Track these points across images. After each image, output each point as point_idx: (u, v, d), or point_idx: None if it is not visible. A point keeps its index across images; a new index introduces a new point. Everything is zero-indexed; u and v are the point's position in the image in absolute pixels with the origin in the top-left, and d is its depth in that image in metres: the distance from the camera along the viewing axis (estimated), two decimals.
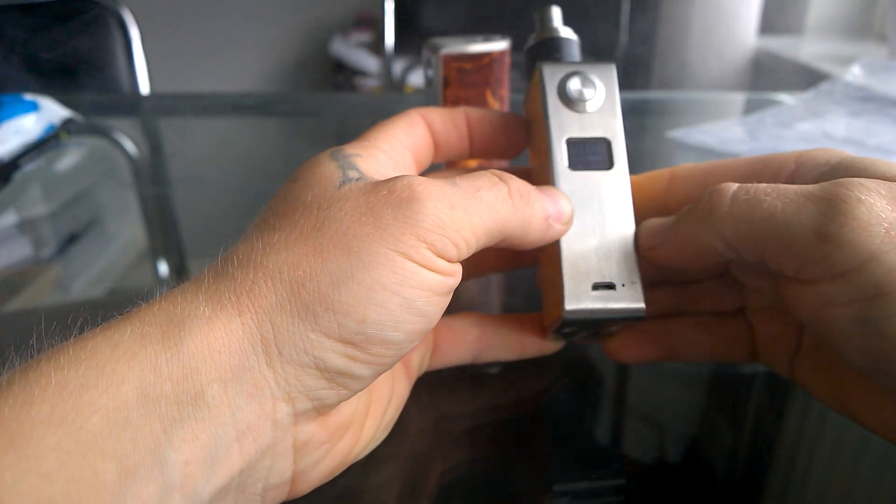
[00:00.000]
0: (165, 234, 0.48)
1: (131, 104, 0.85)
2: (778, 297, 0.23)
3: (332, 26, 2.14)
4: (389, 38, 1.37)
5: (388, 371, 0.23)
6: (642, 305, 0.24)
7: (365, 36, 2.07)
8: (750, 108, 0.70)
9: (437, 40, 0.37)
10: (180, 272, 0.41)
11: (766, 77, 1.40)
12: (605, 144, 0.24)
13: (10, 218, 0.50)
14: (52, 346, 0.16)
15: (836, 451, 0.26)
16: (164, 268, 0.42)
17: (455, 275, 0.20)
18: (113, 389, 0.15)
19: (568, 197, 0.24)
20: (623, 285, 0.24)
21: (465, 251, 0.20)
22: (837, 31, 1.47)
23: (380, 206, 0.19)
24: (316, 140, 0.69)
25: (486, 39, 0.37)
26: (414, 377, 0.26)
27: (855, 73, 0.72)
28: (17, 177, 0.55)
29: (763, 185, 0.20)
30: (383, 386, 0.23)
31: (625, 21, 1.38)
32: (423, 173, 0.27)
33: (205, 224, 0.47)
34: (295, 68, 2.23)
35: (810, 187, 0.19)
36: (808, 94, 0.70)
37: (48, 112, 0.62)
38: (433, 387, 0.28)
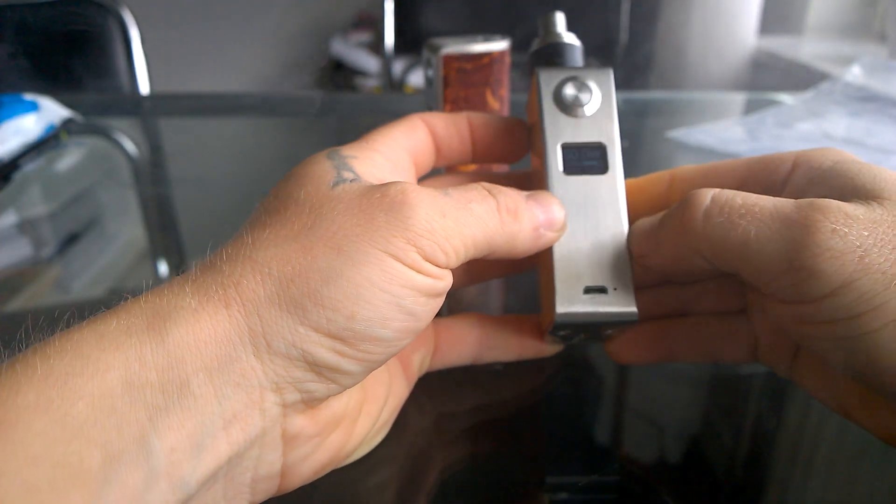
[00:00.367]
0: (165, 234, 0.48)
1: (131, 104, 0.85)
2: (760, 300, 0.24)
3: (332, 26, 2.14)
4: (389, 38, 1.37)
5: (385, 371, 0.23)
6: (634, 309, 0.24)
7: (365, 36, 2.07)
8: (750, 108, 0.70)
9: (437, 40, 0.37)
10: (180, 272, 0.41)
11: (766, 77, 1.40)
12: (601, 149, 0.25)
13: (10, 218, 0.50)
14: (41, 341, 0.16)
15: (836, 451, 0.26)
16: (164, 268, 0.42)
17: (444, 279, 0.20)
18: (98, 377, 0.15)
19: (561, 202, 0.24)
20: (615, 289, 0.24)
21: (453, 259, 0.20)
22: (837, 31, 1.47)
23: (372, 208, 0.19)
24: (316, 140, 0.69)
25: (486, 39, 0.37)
26: (414, 378, 0.26)
27: (855, 73, 0.72)
28: (17, 177, 0.55)
29: (739, 200, 0.20)
30: (379, 385, 0.23)
31: (625, 21, 1.38)
32: (425, 177, 0.27)
33: (205, 224, 0.47)
34: (295, 68, 2.23)
35: (787, 206, 0.19)
36: (808, 94, 0.70)
37: (48, 112, 0.62)
38: (433, 386, 0.28)
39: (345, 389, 0.19)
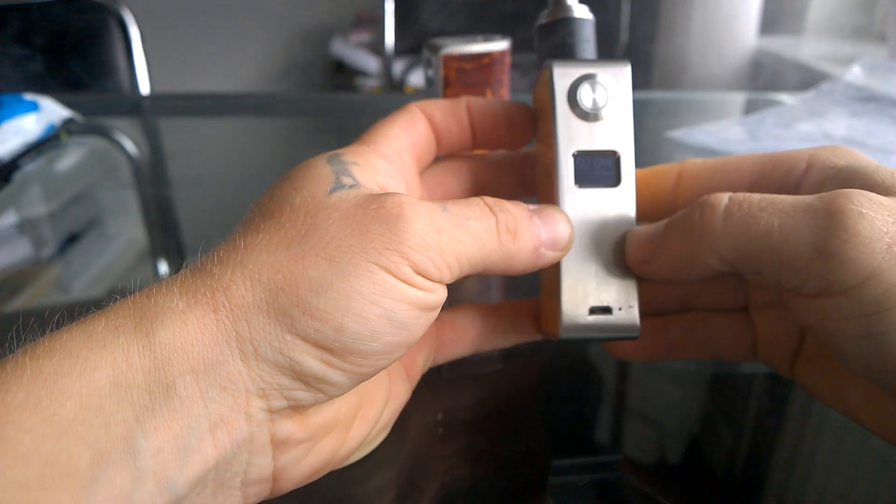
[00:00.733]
0: (165, 234, 0.48)
1: (131, 104, 0.85)
2: (781, 296, 0.23)
3: (332, 26, 2.14)
4: (389, 38, 1.37)
5: (385, 374, 0.23)
6: (637, 330, 0.23)
7: (365, 36, 2.07)
8: (750, 108, 0.70)
9: (437, 40, 0.37)
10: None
11: (766, 77, 1.40)
12: (614, 158, 0.24)
13: (10, 218, 0.50)
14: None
15: (836, 451, 0.26)
16: (164, 268, 0.42)
17: (437, 292, 0.19)
18: (86, 377, 0.15)
19: (569, 221, 0.23)
20: (620, 309, 0.23)
21: (446, 275, 0.20)
22: (837, 31, 1.47)
23: (367, 219, 0.19)
24: (316, 140, 0.69)
25: (486, 39, 0.37)
26: (416, 379, 0.26)
27: (855, 73, 0.72)
28: (17, 177, 0.55)
29: (757, 197, 0.20)
30: (377, 389, 0.23)
31: (625, 21, 1.38)
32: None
33: (205, 224, 0.47)
34: (295, 68, 2.23)
35: (808, 198, 0.19)
36: (808, 94, 0.70)
37: (48, 112, 0.62)
38: (432, 385, 0.28)
39: (331, 398, 0.19)
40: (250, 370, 0.17)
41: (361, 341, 0.18)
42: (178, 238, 0.47)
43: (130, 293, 0.18)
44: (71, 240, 0.46)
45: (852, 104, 0.67)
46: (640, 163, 0.27)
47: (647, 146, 0.61)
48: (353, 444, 0.22)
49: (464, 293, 0.36)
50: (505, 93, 0.39)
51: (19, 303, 0.38)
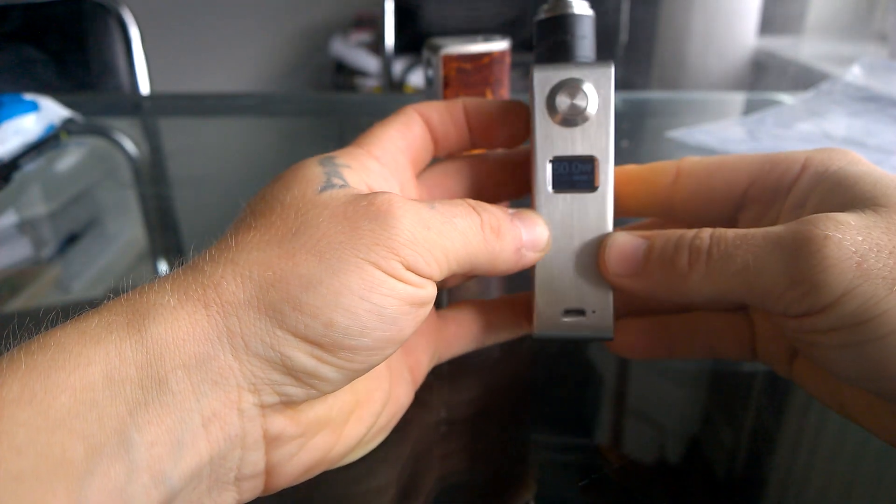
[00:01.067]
0: (165, 234, 0.48)
1: (131, 104, 0.85)
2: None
3: (332, 26, 2.14)
4: (389, 38, 1.37)
5: (386, 376, 0.23)
6: (610, 332, 0.24)
7: (365, 36, 2.07)
8: (750, 108, 0.70)
9: (437, 40, 0.37)
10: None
11: (766, 77, 1.40)
12: (592, 164, 0.24)
13: (10, 218, 0.50)
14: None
15: (836, 451, 0.26)
16: (164, 268, 0.43)
17: (426, 288, 0.20)
18: (80, 371, 0.15)
19: (546, 223, 0.24)
20: (594, 311, 0.24)
21: (435, 270, 0.20)
22: (837, 31, 1.47)
23: (357, 216, 0.19)
24: (316, 140, 0.69)
25: (486, 39, 0.37)
26: (420, 381, 0.26)
27: (855, 73, 0.72)
28: (17, 177, 0.55)
29: (731, 234, 0.21)
30: (375, 389, 0.23)
31: (625, 21, 1.38)
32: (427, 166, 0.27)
33: (205, 224, 0.48)
34: (295, 68, 2.23)
35: (778, 230, 0.20)
36: (808, 94, 0.70)
37: (48, 112, 0.62)
38: (431, 387, 0.28)
39: (324, 395, 0.19)
40: (241, 365, 0.17)
41: (351, 336, 0.18)
42: (178, 238, 0.47)
43: (124, 292, 0.18)
44: (71, 240, 0.46)
45: (852, 104, 0.67)
46: (639, 163, 0.27)
47: (647, 146, 0.61)
48: (349, 443, 0.22)
49: (463, 291, 0.36)
50: (505, 93, 0.39)
51: (19, 303, 0.38)
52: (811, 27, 1.47)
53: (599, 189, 0.24)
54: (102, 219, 0.50)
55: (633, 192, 0.26)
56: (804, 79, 1.21)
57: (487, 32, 0.39)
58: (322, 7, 2.15)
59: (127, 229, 0.48)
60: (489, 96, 0.38)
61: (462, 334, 0.27)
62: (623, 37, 1.39)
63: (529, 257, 0.23)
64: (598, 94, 0.23)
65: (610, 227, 0.24)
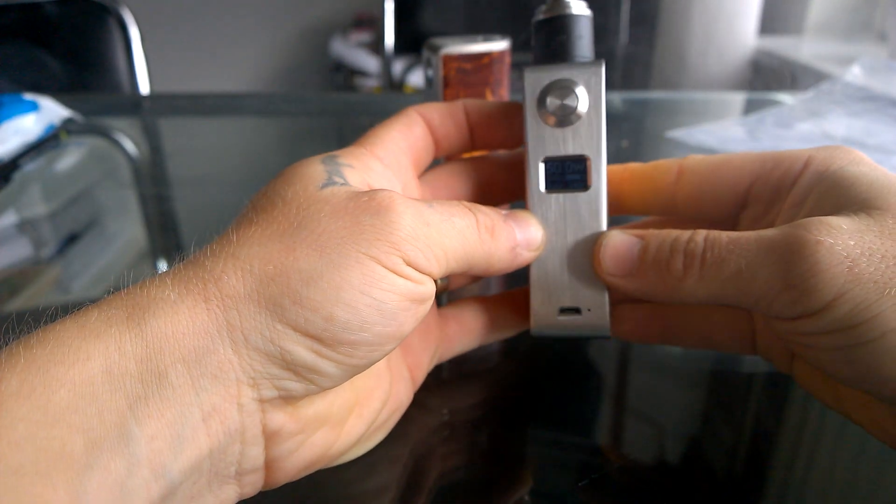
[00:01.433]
0: (165, 234, 0.48)
1: (131, 104, 0.85)
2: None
3: (332, 26, 2.14)
4: (389, 38, 1.37)
5: (386, 374, 0.23)
6: (607, 331, 0.24)
7: (365, 36, 2.07)
8: (750, 108, 0.70)
9: (437, 40, 0.37)
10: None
11: (766, 77, 1.40)
12: (584, 163, 0.24)
13: (10, 218, 0.50)
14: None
15: (836, 450, 0.26)
16: (164, 268, 0.43)
17: (426, 284, 0.20)
18: (79, 365, 0.15)
19: (539, 222, 0.24)
20: (589, 310, 0.24)
21: (435, 268, 0.20)
22: (837, 31, 1.47)
23: (359, 211, 0.19)
24: (316, 140, 0.69)
25: (486, 39, 0.37)
26: (420, 381, 0.26)
27: (855, 73, 0.72)
28: (17, 177, 0.55)
29: (724, 238, 0.21)
30: (375, 387, 0.23)
31: (625, 21, 1.38)
32: (427, 169, 0.27)
33: (205, 224, 0.47)
34: (295, 68, 2.23)
35: (770, 233, 0.20)
36: (808, 94, 0.70)
37: (48, 112, 0.62)
38: (431, 386, 0.28)
39: (324, 390, 0.19)
40: (241, 359, 0.17)
41: (351, 331, 0.18)
42: (178, 238, 0.47)
43: (125, 287, 0.18)
44: (71, 240, 0.46)
45: (852, 104, 0.67)
46: (639, 162, 0.27)
47: (647, 146, 0.61)
48: (349, 441, 0.22)
49: (463, 291, 0.36)
50: (504, 93, 0.39)
51: (19, 303, 0.38)
52: (811, 27, 1.47)
53: (592, 188, 0.24)
54: (102, 219, 0.50)
55: (636, 190, 0.26)
56: (804, 79, 1.22)
57: (487, 32, 0.39)
58: (322, 7, 2.15)
59: (127, 229, 0.48)
60: (489, 96, 0.38)
61: (463, 332, 0.27)
62: (623, 37, 1.39)
63: (524, 256, 0.23)
64: (588, 93, 0.24)
65: (604, 225, 0.24)
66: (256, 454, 0.19)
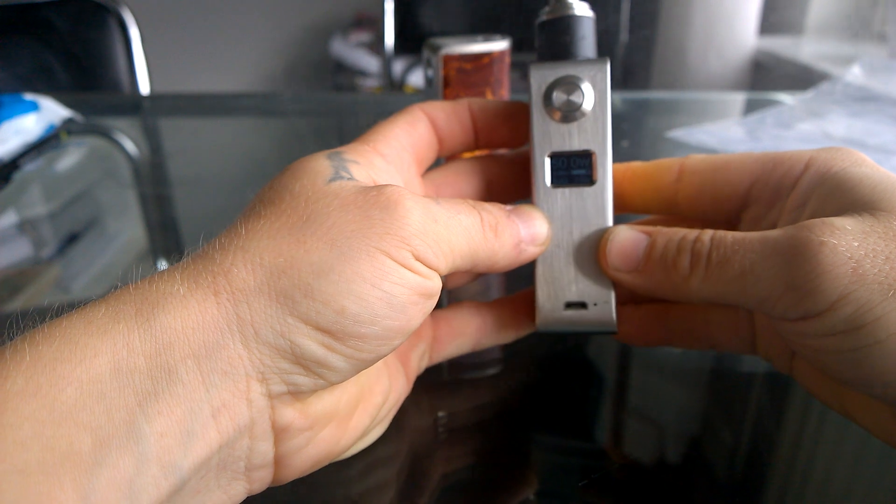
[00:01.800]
0: (165, 234, 0.48)
1: (131, 104, 0.85)
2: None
3: (332, 26, 2.14)
4: (389, 38, 1.37)
5: (385, 368, 0.23)
6: (613, 325, 0.24)
7: (365, 36, 2.07)
8: (750, 108, 0.70)
9: (437, 40, 0.37)
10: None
11: (766, 77, 1.40)
12: (590, 158, 0.24)
13: (10, 218, 0.50)
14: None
15: (836, 451, 0.26)
16: (163, 268, 0.42)
17: (434, 279, 0.20)
18: (86, 363, 0.15)
19: (545, 217, 0.24)
20: (595, 304, 0.24)
21: (442, 264, 0.20)
22: (837, 31, 1.47)
23: (368, 205, 0.19)
24: (316, 140, 0.69)
25: (486, 39, 0.37)
26: (414, 376, 0.26)
27: (855, 73, 0.72)
28: (17, 177, 0.55)
29: (729, 238, 0.21)
30: (377, 382, 0.23)
31: (625, 20, 1.38)
32: (431, 167, 0.27)
33: (205, 224, 0.47)
34: (295, 68, 2.23)
35: (775, 234, 0.20)
36: (808, 94, 0.70)
37: (48, 112, 0.62)
38: (431, 386, 0.28)
39: (331, 385, 0.19)
40: (250, 353, 0.17)
41: (362, 324, 0.18)
42: (178, 238, 0.47)
43: (132, 283, 0.18)
44: (71, 240, 0.46)
45: (852, 104, 0.67)
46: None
47: (647, 146, 0.61)
48: (354, 436, 0.22)
49: (463, 291, 0.36)
50: (505, 93, 0.39)
51: (19, 303, 0.38)
52: (811, 27, 1.47)
53: (598, 183, 0.24)
54: (102, 219, 0.50)
55: (637, 189, 0.26)
56: (804, 79, 1.21)
57: (487, 32, 0.39)
58: (322, 7, 2.15)
59: (127, 229, 0.48)
60: (489, 96, 0.38)
61: (454, 335, 0.27)
62: (623, 37, 1.39)
63: (529, 252, 0.24)
64: (594, 89, 0.24)
65: (610, 220, 0.24)
66: (265, 450, 0.19)
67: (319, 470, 0.21)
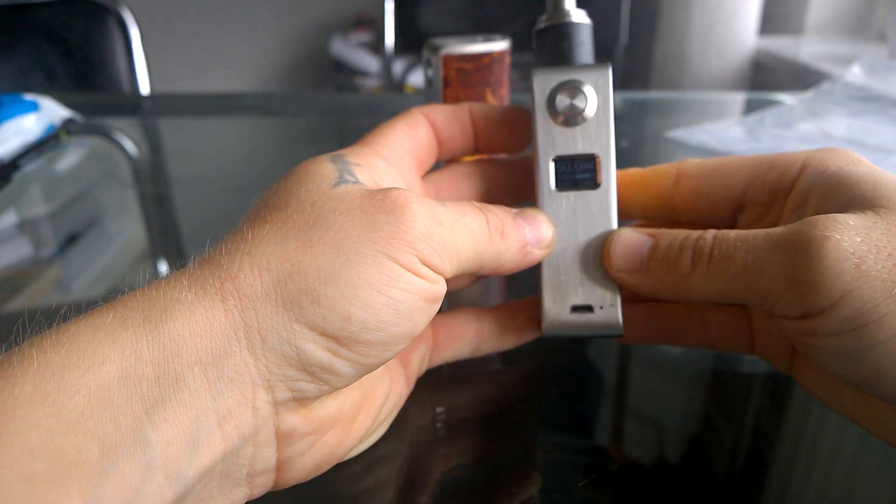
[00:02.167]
0: (165, 234, 0.48)
1: (131, 104, 0.85)
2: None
3: (332, 26, 2.14)
4: (389, 38, 1.37)
5: (385, 370, 0.23)
6: (620, 329, 0.24)
7: (365, 36, 2.07)
8: (750, 108, 0.70)
9: (437, 40, 0.37)
10: (179, 268, 0.41)
11: (766, 77, 1.40)
12: (594, 162, 0.24)
13: (10, 218, 0.50)
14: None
15: (836, 451, 0.26)
16: (164, 268, 0.43)
17: (439, 284, 0.20)
18: (94, 370, 0.15)
19: (550, 220, 0.24)
20: (601, 308, 0.24)
21: (447, 268, 0.20)
22: (837, 31, 1.47)
23: (374, 210, 0.19)
24: (316, 140, 0.69)
25: (486, 39, 0.37)
26: (414, 377, 0.26)
27: (855, 73, 0.72)
28: (17, 177, 0.55)
29: (732, 235, 0.21)
30: (378, 385, 0.23)
31: (625, 21, 1.38)
32: (430, 171, 0.27)
33: (205, 224, 0.48)
34: (295, 68, 2.23)
35: (778, 231, 0.20)
36: (808, 94, 0.70)
37: (48, 112, 0.62)
38: (431, 385, 0.28)
39: (335, 390, 0.19)
40: (257, 361, 0.17)
41: (368, 330, 0.18)
42: (178, 238, 0.47)
43: (127, 291, 0.18)
44: (71, 240, 0.46)
45: (852, 104, 0.67)
46: (639, 163, 0.27)
47: (647, 146, 0.61)
48: (356, 438, 0.22)
49: (463, 293, 0.36)
50: (505, 93, 0.39)
51: (19, 303, 0.38)
52: (811, 27, 1.47)
53: (602, 186, 0.24)
54: (102, 219, 0.50)
55: (634, 194, 0.26)
56: (804, 79, 1.21)
57: (487, 32, 0.39)
58: (322, 7, 2.15)
59: (127, 229, 0.48)
60: (489, 96, 0.38)
61: (453, 338, 0.27)
62: (623, 37, 1.39)
63: (535, 254, 0.24)
64: (597, 94, 0.24)
65: (614, 223, 0.24)
66: (268, 456, 0.19)
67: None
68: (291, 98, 0.86)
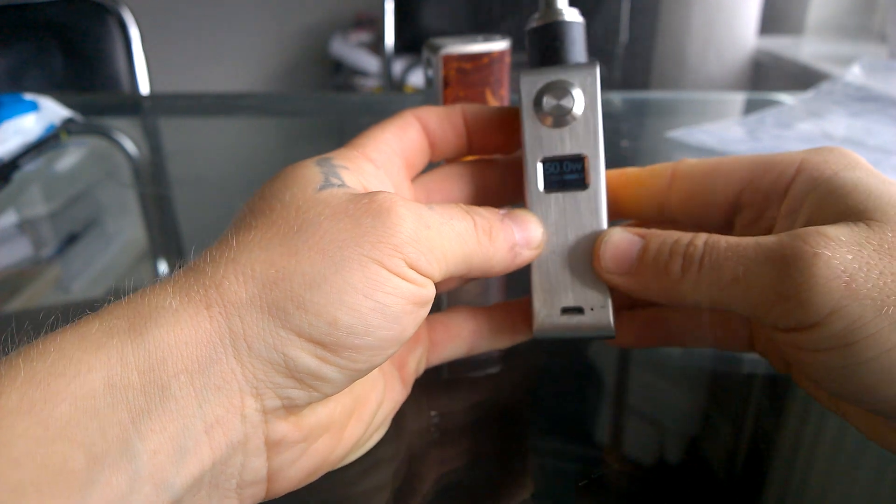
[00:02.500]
0: (165, 234, 0.48)
1: (131, 104, 0.85)
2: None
3: (332, 26, 2.14)
4: (389, 38, 1.37)
5: (379, 375, 0.23)
6: (611, 330, 0.24)
7: (365, 36, 2.07)
8: (750, 108, 0.70)
9: (437, 40, 0.37)
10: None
11: (766, 77, 1.40)
12: (582, 162, 0.24)
13: (10, 218, 0.50)
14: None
15: (836, 451, 0.26)
16: (164, 268, 0.42)
17: (427, 287, 0.20)
18: (80, 379, 0.15)
19: (539, 221, 0.24)
20: (592, 309, 0.24)
21: (435, 271, 0.20)
22: (837, 31, 1.47)
23: (359, 213, 0.19)
24: (316, 140, 0.69)
25: (486, 39, 0.37)
26: (410, 381, 0.26)
27: (855, 73, 0.72)
28: (17, 177, 0.55)
29: (723, 243, 0.21)
30: (371, 390, 0.23)
31: (625, 20, 1.38)
32: (422, 172, 0.27)
33: (205, 224, 0.48)
34: (295, 68, 2.23)
35: (769, 241, 0.20)
36: (808, 94, 0.70)
37: (48, 112, 0.62)
38: (429, 385, 0.28)
39: (325, 397, 0.19)
40: (243, 368, 0.17)
41: (356, 335, 0.18)
42: (178, 238, 0.47)
43: (125, 295, 0.18)
44: (71, 240, 0.46)
45: (852, 104, 0.67)
46: (639, 163, 0.27)
47: (647, 146, 0.61)
48: (348, 445, 0.22)
49: (463, 292, 0.36)
50: (505, 93, 0.39)
51: (19, 303, 0.38)
52: (811, 27, 1.47)
53: (591, 187, 0.24)
54: (102, 219, 0.50)
55: (630, 194, 0.26)
56: (804, 79, 1.22)
57: (487, 32, 0.39)
58: (322, 7, 2.15)
59: (127, 229, 0.48)
60: (489, 96, 0.38)
61: (450, 338, 0.27)
62: (623, 37, 1.39)
63: (524, 255, 0.23)
64: (584, 94, 0.24)
65: (604, 224, 0.24)
66: (258, 465, 0.18)
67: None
68: (291, 98, 0.86)
